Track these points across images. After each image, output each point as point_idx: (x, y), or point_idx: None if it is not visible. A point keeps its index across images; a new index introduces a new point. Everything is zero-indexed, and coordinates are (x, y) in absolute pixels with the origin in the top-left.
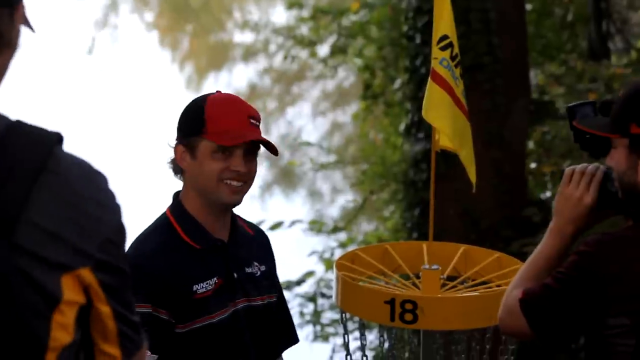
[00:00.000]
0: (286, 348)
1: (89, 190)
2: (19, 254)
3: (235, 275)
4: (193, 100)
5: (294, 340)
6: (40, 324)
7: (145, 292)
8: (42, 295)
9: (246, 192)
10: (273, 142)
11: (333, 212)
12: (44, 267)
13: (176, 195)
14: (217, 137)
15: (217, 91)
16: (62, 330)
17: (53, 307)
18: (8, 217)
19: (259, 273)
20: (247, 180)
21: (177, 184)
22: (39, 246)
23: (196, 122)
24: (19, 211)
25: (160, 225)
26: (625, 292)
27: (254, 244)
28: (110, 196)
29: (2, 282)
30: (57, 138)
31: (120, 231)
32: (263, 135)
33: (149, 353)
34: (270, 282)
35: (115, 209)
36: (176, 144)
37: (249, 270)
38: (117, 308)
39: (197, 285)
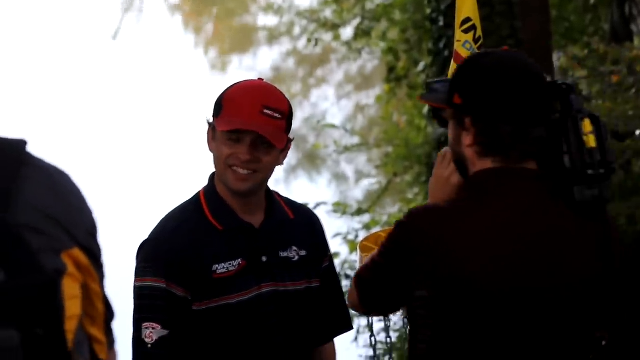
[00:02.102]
0: (338, 334)
1: (69, 184)
2: (19, 228)
3: (264, 258)
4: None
5: (347, 326)
6: (53, 289)
7: (162, 267)
8: (48, 264)
9: (257, 181)
10: (296, 126)
11: (357, 194)
12: (44, 240)
13: (212, 176)
14: (223, 123)
15: (259, 78)
16: (72, 300)
17: (60, 276)
18: (1, 195)
19: (296, 258)
20: (255, 169)
21: (200, 166)
22: (37, 222)
23: (217, 105)
24: (10, 190)
25: (190, 205)
26: (427, 264)
27: (295, 227)
28: (82, 192)
29: (10, 246)
30: (24, 142)
31: (96, 227)
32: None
33: (159, 327)
34: (312, 267)
35: (89, 204)
36: (209, 124)
37: (284, 254)
38: (106, 294)
39: (217, 265)
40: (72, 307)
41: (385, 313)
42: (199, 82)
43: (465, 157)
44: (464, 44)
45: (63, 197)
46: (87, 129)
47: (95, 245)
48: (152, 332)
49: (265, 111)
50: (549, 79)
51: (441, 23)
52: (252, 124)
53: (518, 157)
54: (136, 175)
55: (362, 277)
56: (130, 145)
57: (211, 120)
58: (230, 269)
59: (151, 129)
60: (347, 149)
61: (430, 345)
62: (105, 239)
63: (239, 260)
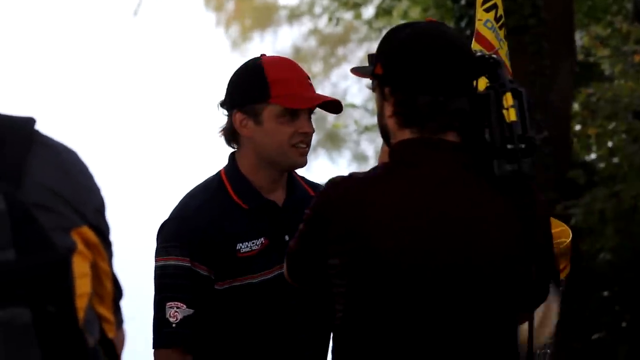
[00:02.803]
0: None
1: (77, 163)
2: (30, 205)
3: (286, 237)
4: (246, 66)
5: None
6: (64, 266)
7: (187, 246)
8: (59, 241)
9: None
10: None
11: None
12: (53, 219)
13: (232, 156)
14: (287, 101)
15: (261, 54)
16: (82, 278)
17: (70, 254)
18: (11, 172)
19: None
20: (310, 140)
21: (221, 148)
22: (47, 201)
23: (259, 87)
24: (21, 168)
25: (211, 183)
26: (339, 232)
27: None
28: (91, 170)
29: (21, 224)
30: (33, 120)
31: (104, 205)
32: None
33: (184, 306)
34: None
35: (98, 184)
36: (234, 112)
37: None
38: (114, 273)
39: (240, 244)
40: (82, 285)
41: (308, 284)
42: (219, 60)
43: (388, 128)
44: (485, 23)
45: (72, 175)
46: (107, 106)
47: (104, 224)
48: (177, 312)
49: (309, 82)
50: (575, 57)
51: (463, 2)
52: (316, 97)
53: (436, 128)
54: (158, 155)
55: (290, 247)
56: (150, 123)
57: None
58: (254, 247)
59: (172, 107)
60: (367, 128)
61: (345, 314)
62: (120, 218)
63: (262, 239)
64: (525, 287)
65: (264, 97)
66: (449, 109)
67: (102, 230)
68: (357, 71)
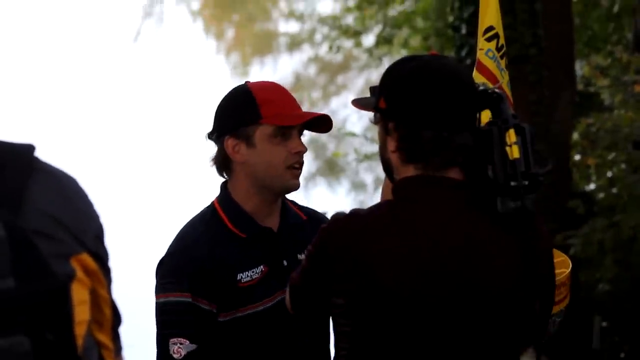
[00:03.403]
0: None
1: (77, 189)
2: (30, 233)
3: (284, 262)
4: (233, 92)
5: None
6: (63, 294)
7: (186, 281)
8: (59, 269)
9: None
10: (316, 134)
11: (376, 202)
12: (53, 246)
13: (224, 186)
14: (277, 119)
15: (245, 82)
16: (81, 305)
17: (69, 281)
18: (11, 199)
19: None
20: (303, 161)
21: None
22: (47, 227)
23: (249, 110)
24: (21, 195)
25: (206, 215)
26: (343, 270)
27: (307, 228)
28: (90, 196)
29: (21, 251)
30: (33, 147)
31: (104, 232)
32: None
33: (187, 342)
34: None
35: (97, 211)
36: (225, 138)
37: (302, 257)
38: (113, 299)
39: (241, 274)
40: (81, 312)
41: (312, 318)
42: (220, 87)
43: (391, 163)
44: (486, 53)
45: (72, 201)
46: (108, 133)
47: (103, 251)
48: (181, 347)
49: (297, 102)
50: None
51: (464, 31)
52: (305, 113)
53: (440, 164)
54: (156, 179)
55: (292, 279)
56: (152, 149)
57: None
58: (254, 276)
59: (171, 133)
60: (367, 157)
61: (350, 353)
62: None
63: (261, 266)
64: (529, 322)
65: (255, 118)
66: (453, 144)
67: (101, 257)
68: (359, 103)
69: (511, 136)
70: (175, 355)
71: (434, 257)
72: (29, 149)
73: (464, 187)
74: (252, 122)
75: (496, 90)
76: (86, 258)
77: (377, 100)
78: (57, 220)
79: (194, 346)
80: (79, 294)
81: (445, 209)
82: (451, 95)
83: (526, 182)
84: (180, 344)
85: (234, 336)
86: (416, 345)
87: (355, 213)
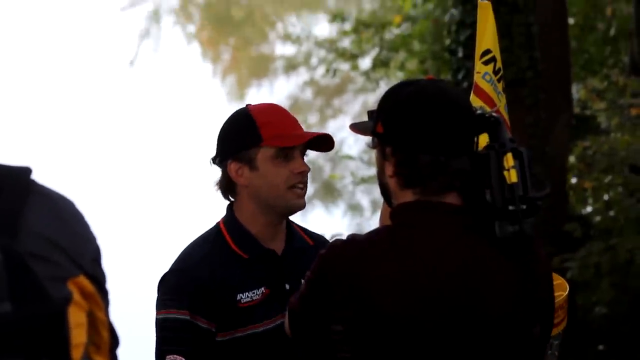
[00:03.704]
0: None
1: (74, 212)
2: (26, 256)
3: (287, 286)
4: (234, 116)
5: None
6: (60, 318)
7: (186, 299)
8: (55, 292)
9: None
10: (313, 156)
11: (373, 225)
12: (49, 268)
13: (230, 207)
14: (279, 141)
15: (246, 105)
16: (78, 328)
17: (66, 304)
18: (8, 222)
19: None
20: (307, 180)
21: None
22: (43, 250)
23: (249, 133)
24: (18, 218)
25: (210, 235)
26: (341, 297)
27: (313, 254)
28: (86, 219)
29: (17, 275)
30: (29, 170)
31: (101, 254)
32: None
33: (183, 359)
34: None
35: (94, 233)
36: (228, 162)
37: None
38: (110, 321)
39: (241, 295)
40: (78, 335)
41: (310, 344)
42: (216, 110)
43: (389, 187)
44: (483, 76)
45: (69, 224)
46: (105, 153)
47: (100, 273)
48: None
49: (297, 122)
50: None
51: (460, 54)
52: (307, 133)
53: (438, 188)
54: (154, 201)
55: (291, 303)
56: (148, 173)
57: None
58: (255, 297)
59: (168, 155)
60: (363, 180)
61: None
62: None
63: (262, 288)
64: (528, 346)
65: (256, 141)
66: (450, 169)
67: (98, 279)
68: (356, 128)
69: (509, 160)
70: None
71: (432, 282)
72: (26, 171)
73: (461, 212)
74: (254, 145)
75: (494, 114)
76: (83, 280)
77: (374, 125)
78: (54, 243)
79: None
80: (76, 317)
81: (443, 234)
82: (448, 119)
83: (524, 206)
84: None
85: (232, 356)
86: None
87: (353, 239)
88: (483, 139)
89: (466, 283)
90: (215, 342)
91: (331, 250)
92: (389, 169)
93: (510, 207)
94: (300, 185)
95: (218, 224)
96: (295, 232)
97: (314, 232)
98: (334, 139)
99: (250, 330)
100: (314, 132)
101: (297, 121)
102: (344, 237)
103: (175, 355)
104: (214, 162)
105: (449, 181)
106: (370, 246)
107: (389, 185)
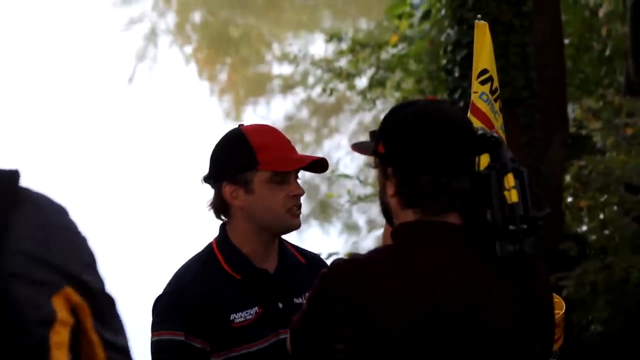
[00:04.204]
0: None
1: (63, 219)
2: (8, 279)
3: (280, 305)
4: (228, 137)
5: None
6: (39, 343)
7: (180, 320)
8: (37, 315)
9: None
10: (309, 175)
11: (369, 244)
12: (33, 288)
13: (222, 227)
14: (275, 165)
15: (240, 124)
16: (60, 349)
17: (49, 326)
18: None
19: None
20: (301, 202)
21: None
22: (27, 269)
23: (246, 155)
24: (2, 235)
25: (203, 255)
26: (343, 316)
27: (306, 272)
28: (78, 225)
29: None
30: (18, 174)
31: (94, 257)
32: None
33: None
34: None
35: (86, 237)
36: (223, 184)
37: (298, 300)
38: (105, 335)
39: (234, 314)
40: (60, 356)
41: None
42: (213, 129)
43: (390, 207)
44: (480, 96)
45: (57, 232)
46: (102, 172)
47: (94, 279)
48: None
49: (291, 144)
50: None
51: (456, 74)
52: (304, 157)
53: (438, 208)
54: (150, 220)
55: (293, 322)
56: (144, 191)
57: (232, 177)
58: (248, 317)
59: (165, 174)
60: (360, 199)
61: None
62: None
63: (256, 308)
64: None
65: (252, 164)
66: (451, 189)
67: (89, 286)
68: (358, 148)
69: (509, 180)
70: None
71: (433, 302)
72: (14, 176)
73: (462, 232)
74: (250, 168)
75: (494, 134)
76: (69, 292)
77: (376, 145)
78: (38, 258)
79: None
80: (58, 337)
81: (444, 253)
82: (449, 140)
83: (525, 226)
84: None
85: None
86: None
87: (354, 259)
88: (484, 159)
89: (467, 303)
90: None
91: (332, 270)
92: (390, 189)
93: (511, 227)
94: (296, 207)
95: (211, 244)
96: (287, 250)
97: (306, 250)
98: (330, 157)
99: (244, 349)
100: (309, 157)
101: (290, 143)
102: (343, 257)
103: None
104: (206, 182)
105: (449, 201)
106: (371, 265)
107: (390, 204)
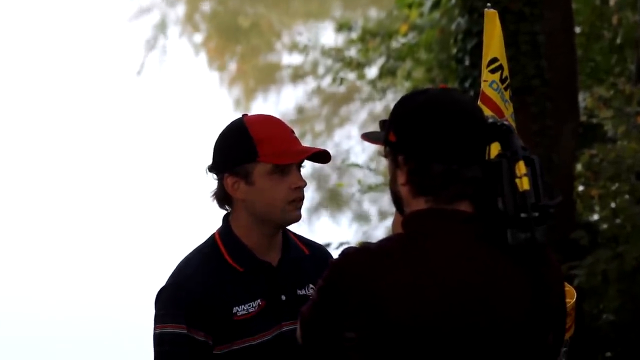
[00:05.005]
0: None
1: None
2: None
3: (283, 297)
4: (230, 128)
5: None
6: None
7: (182, 313)
8: None
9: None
10: (320, 165)
11: (380, 234)
12: None
13: (226, 218)
14: (275, 158)
15: (243, 114)
16: None
17: None
18: None
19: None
20: (303, 194)
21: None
22: None
23: (245, 148)
24: None
25: (206, 247)
26: (354, 305)
27: (310, 264)
28: None
29: None
30: None
31: None
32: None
33: None
34: None
35: None
36: (225, 176)
37: (301, 292)
38: None
39: (237, 307)
40: None
41: (322, 352)
42: (223, 119)
43: (401, 195)
44: (490, 84)
45: None
46: (112, 163)
47: None
48: None
49: (294, 135)
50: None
51: (467, 63)
52: (304, 149)
53: (450, 197)
54: (160, 211)
55: (303, 314)
56: (154, 182)
57: (233, 169)
58: (250, 310)
59: (175, 165)
60: (370, 188)
61: None
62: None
63: (259, 300)
64: (542, 354)
65: (252, 157)
66: (463, 177)
67: None
68: (368, 137)
69: (521, 168)
70: None
71: (444, 290)
72: None
73: (474, 220)
74: (250, 161)
75: (505, 122)
76: None
77: (387, 134)
78: None
79: None
80: None
81: (455, 242)
82: (461, 128)
83: (536, 214)
84: None
85: None
86: None
87: (365, 247)
88: (494, 148)
89: (478, 291)
90: (212, 355)
91: (343, 258)
92: (401, 178)
93: (522, 215)
94: (298, 200)
95: (213, 235)
96: (291, 241)
97: (310, 240)
98: (341, 147)
99: (246, 342)
100: (311, 148)
101: (293, 134)
102: (353, 246)
103: None
104: (211, 172)
105: (461, 189)
106: (382, 254)
107: (401, 193)
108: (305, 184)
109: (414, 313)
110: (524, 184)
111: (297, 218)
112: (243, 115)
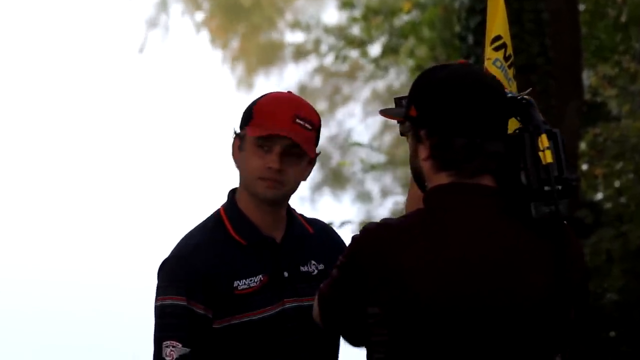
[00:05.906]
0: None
1: None
2: None
3: (285, 274)
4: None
5: None
6: None
7: (183, 285)
8: None
9: (284, 191)
10: (321, 143)
11: (383, 213)
12: None
13: (231, 193)
14: (255, 129)
15: (288, 91)
16: None
17: None
18: None
19: (316, 272)
20: (282, 180)
21: (226, 184)
22: None
23: (246, 114)
24: None
25: (210, 221)
26: (378, 281)
27: (313, 241)
28: None
29: None
30: None
31: None
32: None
33: (180, 345)
34: None
35: None
36: (234, 136)
37: (304, 269)
38: None
39: (238, 281)
40: None
41: (343, 331)
42: (225, 98)
43: (422, 171)
44: (494, 62)
45: None
46: (113, 142)
47: None
48: (173, 350)
49: (297, 120)
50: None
51: (470, 41)
52: (285, 130)
53: (472, 171)
54: (162, 189)
55: (322, 291)
56: (156, 160)
57: (238, 130)
58: (252, 285)
59: (177, 143)
60: (373, 167)
61: None
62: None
63: (260, 276)
64: (564, 327)
65: (247, 124)
66: (486, 151)
67: None
68: (387, 113)
69: (543, 141)
70: (167, 358)
71: (466, 265)
72: None
73: (496, 194)
74: (245, 125)
75: (525, 96)
76: None
77: (407, 109)
78: None
79: (186, 350)
80: None
81: (478, 216)
82: (483, 102)
83: (559, 187)
84: (173, 346)
85: (228, 343)
86: (452, 354)
87: (386, 222)
88: (512, 124)
89: (501, 265)
90: (211, 329)
91: (364, 234)
92: (423, 152)
93: (546, 188)
94: (269, 179)
95: (218, 210)
96: (295, 220)
97: (315, 219)
98: (343, 125)
99: (246, 317)
100: (291, 134)
101: (295, 116)
102: (375, 222)
103: (171, 341)
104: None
105: (484, 163)
106: (404, 229)
107: (422, 168)
108: (277, 167)
109: (435, 287)
110: (547, 157)
111: (265, 196)
112: (287, 91)
